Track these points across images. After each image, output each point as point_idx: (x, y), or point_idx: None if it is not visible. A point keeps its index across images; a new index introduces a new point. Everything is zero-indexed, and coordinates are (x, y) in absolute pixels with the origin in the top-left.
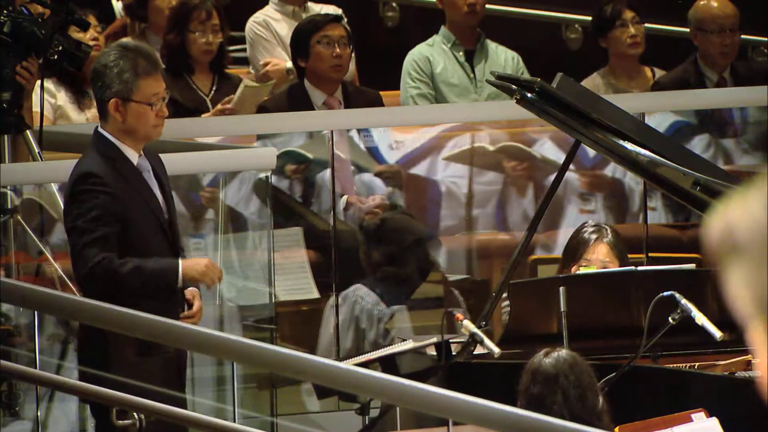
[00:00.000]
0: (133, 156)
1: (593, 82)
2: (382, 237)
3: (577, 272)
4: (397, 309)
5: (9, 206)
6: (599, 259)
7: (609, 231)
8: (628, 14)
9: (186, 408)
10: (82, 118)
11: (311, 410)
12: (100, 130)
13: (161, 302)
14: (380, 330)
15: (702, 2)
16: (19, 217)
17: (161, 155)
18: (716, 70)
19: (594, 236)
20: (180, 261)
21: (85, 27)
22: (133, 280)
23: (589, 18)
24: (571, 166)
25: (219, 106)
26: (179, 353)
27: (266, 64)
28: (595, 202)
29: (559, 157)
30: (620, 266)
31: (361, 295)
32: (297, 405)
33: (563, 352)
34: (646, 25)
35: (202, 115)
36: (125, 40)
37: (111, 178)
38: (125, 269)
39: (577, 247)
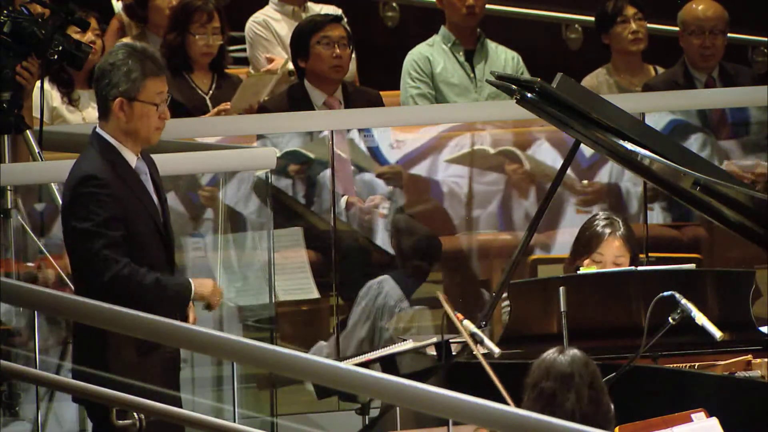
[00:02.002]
0: (132, 158)
1: (596, 78)
2: (411, 230)
3: (577, 272)
4: (419, 309)
5: (9, 206)
6: (612, 254)
7: (621, 224)
8: (630, 11)
9: (182, 407)
10: (78, 119)
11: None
12: (99, 131)
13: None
14: (399, 328)
15: (688, 3)
16: (19, 217)
17: (160, 155)
18: (703, 72)
19: (607, 230)
20: (192, 280)
21: (85, 27)
22: (153, 292)
23: (589, 18)
24: (570, 170)
25: (215, 110)
26: (175, 352)
27: (269, 60)
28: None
29: (556, 158)
30: (631, 260)
31: (386, 289)
32: (297, 405)
33: (577, 352)
34: (653, 25)
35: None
36: (129, 41)
37: (111, 180)
38: (148, 281)
39: (589, 240)
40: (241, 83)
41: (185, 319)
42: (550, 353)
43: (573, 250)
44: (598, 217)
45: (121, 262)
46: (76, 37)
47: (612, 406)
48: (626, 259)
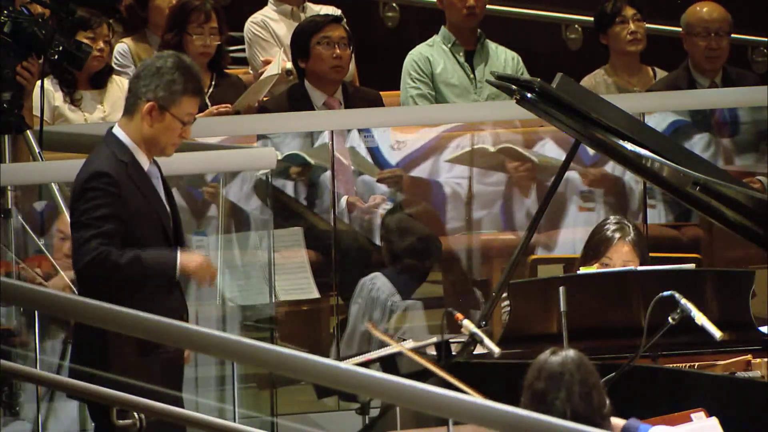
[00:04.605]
0: (145, 162)
1: (594, 79)
2: (403, 231)
3: (577, 272)
4: (411, 304)
5: (9, 206)
6: (621, 258)
7: (631, 229)
8: (629, 11)
9: (184, 407)
10: (80, 118)
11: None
12: (116, 131)
13: (163, 295)
14: (391, 323)
15: (692, 6)
16: (19, 217)
17: (161, 156)
18: (707, 76)
19: (617, 235)
20: (178, 254)
21: (85, 26)
22: (131, 269)
23: (589, 18)
24: (572, 165)
25: (215, 109)
26: (178, 353)
27: (266, 62)
28: (595, 201)
29: (561, 156)
30: (641, 265)
31: (377, 284)
32: (297, 405)
33: (571, 352)
34: (653, 25)
35: (198, 116)
36: (130, 41)
37: (123, 180)
38: (124, 259)
39: (599, 245)
40: (241, 82)
41: (177, 298)
42: (544, 354)
43: (582, 254)
44: (608, 221)
45: (100, 248)
46: (86, 41)
47: (607, 402)
48: (635, 264)
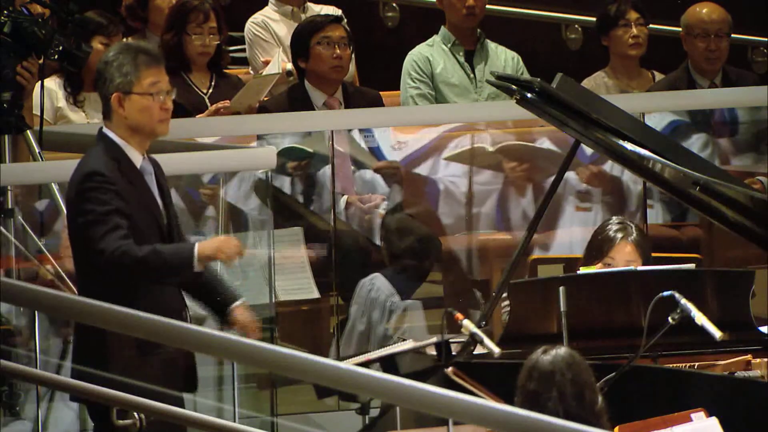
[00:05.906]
0: (137, 158)
1: (594, 81)
2: (403, 231)
3: (577, 272)
4: (411, 304)
5: (9, 206)
6: (624, 258)
7: (634, 229)
8: (633, 15)
9: (184, 407)
10: (81, 118)
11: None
12: (105, 130)
13: (160, 293)
14: (391, 324)
15: (692, 7)
16: (19, 217)
17: (160, 155)
18: (706, 77)
19: (619, 235)
20: (196, 244)
21: (85, 26)
22: (152, 262)
23: (589, 18)
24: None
25: (213, 107)
26: (183, 353)
27: (266, 62)
28: (592, 201)
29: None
30: (644, 266)
31: (377, 284)
32: (297, 405)
33: (562, 350)
34: (653, 26)
35: (198, 116)
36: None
37: (116, 178)
38: (143, 252)
39: (601, 245)
40: (241, 83)
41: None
42: (535, 354)
43: (585, 254)
44: (611, 221)
45: (118, 242)
46: (101, 47)
47: (599, 399)
48: (638, 264)
